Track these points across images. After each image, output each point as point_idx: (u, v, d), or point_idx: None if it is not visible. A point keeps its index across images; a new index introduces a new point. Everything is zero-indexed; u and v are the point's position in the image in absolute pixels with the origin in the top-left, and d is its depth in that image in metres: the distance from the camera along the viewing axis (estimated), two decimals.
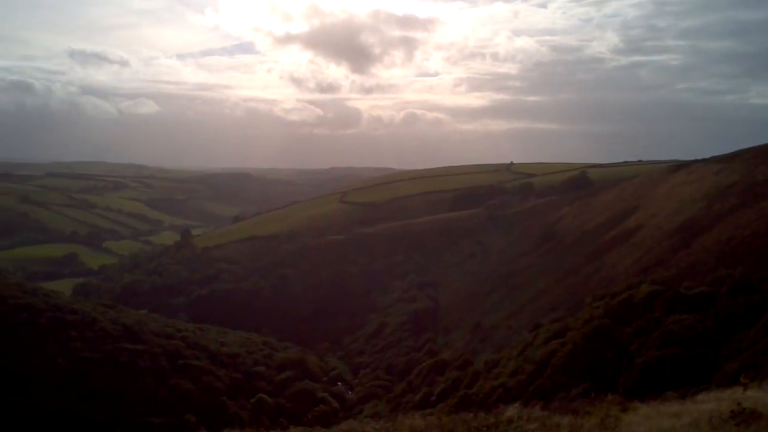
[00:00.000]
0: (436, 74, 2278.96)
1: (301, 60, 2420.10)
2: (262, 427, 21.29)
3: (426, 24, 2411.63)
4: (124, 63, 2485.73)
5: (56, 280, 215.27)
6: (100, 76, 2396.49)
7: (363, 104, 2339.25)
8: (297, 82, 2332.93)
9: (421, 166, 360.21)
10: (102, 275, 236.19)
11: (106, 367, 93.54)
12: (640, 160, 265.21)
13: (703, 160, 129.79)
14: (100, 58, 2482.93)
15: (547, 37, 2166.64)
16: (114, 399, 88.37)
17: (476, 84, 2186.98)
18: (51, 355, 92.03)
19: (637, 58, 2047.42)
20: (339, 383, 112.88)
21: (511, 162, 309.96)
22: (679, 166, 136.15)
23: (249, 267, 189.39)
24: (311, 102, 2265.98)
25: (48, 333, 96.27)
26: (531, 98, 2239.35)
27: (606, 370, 47.70)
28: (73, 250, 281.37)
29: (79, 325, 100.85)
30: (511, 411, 19.74)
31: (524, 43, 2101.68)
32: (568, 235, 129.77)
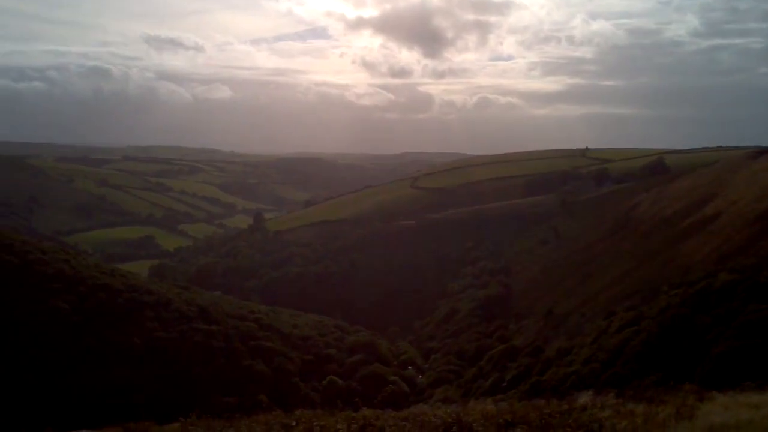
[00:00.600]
0: (509, 58, 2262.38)
1: (373, 45, 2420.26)
2: (334, 409, 21.22)
3: (500, 7, 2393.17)
4: (198, 48, 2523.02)
5: (133, 262, 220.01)
6: (176, 61, 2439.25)
7: (435, 89, 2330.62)
8: (369, 66, 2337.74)
9: (493, 152, 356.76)
10: (177, 257, 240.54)
11: (181, 347, 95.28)
12: (719, 146, 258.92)
13: None
14: (175, 44, 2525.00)
15: (624, 20, 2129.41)
16: (188, 378, 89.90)
17: (550, 68, 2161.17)
18: (128, 334, 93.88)
19: (717, 41, 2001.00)
20: (409, 367, 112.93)
21: (586, 147, 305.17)
22: (761, 152, 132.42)
23: (320, 251, 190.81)
24: (383, 87, 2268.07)
25: (125, 313, 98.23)
26: (607, 83, 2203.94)
27: (681, 360, 46.70)
28: (150, 233, 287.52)
29: (155, 306, 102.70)
30: (585, 398, 19.51)
31: (600, 26, 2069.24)
32: (643, 222, 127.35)
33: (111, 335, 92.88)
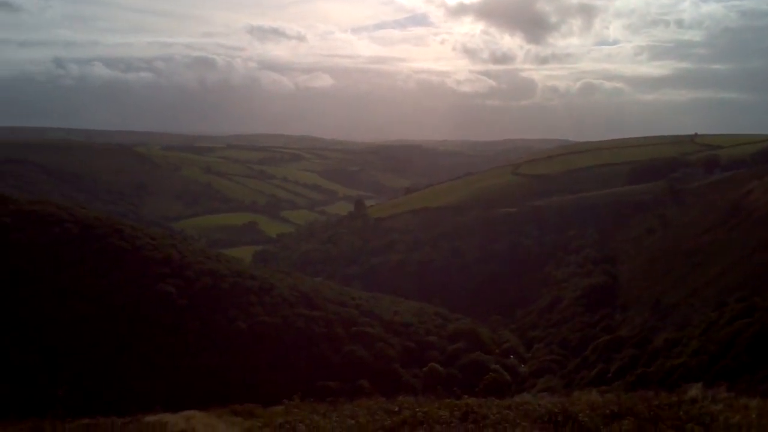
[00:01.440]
0: (615, 42, 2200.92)
1: (475, 31, 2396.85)
2: (435, 396, 20.90)
3: None
4: (300, 38, 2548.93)
5: (237, 248, 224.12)
6: (278, 51, 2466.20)
7: (538, 74, 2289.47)
8: (470, 53, 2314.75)
9: (597, 138, 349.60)
10: (279, 243, 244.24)
11: (284, 332, 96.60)
12: None
13: None
14: (278, 34, 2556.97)
15: (736, 2, 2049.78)
16: (291, 362, 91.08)
17: (658, 52, 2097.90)
18: (232, 318, 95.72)
19: None
20: (511, 356, 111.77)
21: (695, 134, 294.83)
22: None
23: (420, 238, 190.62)
24: (484, 73, 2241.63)
25: (229, 297, 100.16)
26: (717, 66, 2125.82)
27: None
28: (253, 219, 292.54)
29: (258, 291, 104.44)
30: (695, 391, 18.60)
31: (711, 8, 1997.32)
32: (756, 210, 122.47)
33: (216, 319, 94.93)
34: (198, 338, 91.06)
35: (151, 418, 24.19)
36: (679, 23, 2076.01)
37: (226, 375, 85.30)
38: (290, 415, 20.04)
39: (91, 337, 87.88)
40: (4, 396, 65.65)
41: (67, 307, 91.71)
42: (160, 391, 73.96)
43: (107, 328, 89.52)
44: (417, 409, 17.96)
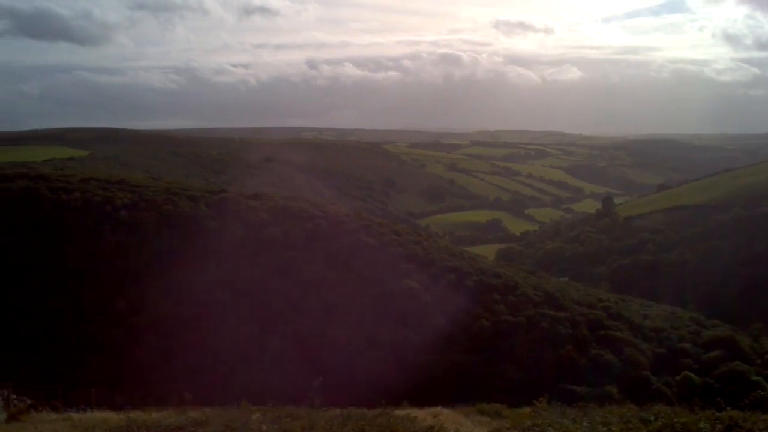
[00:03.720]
0: None
1: (738, 15, 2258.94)
2: (691, 406, 19.54)
3: None
4: (548, 30, 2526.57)
5: (480, 245, 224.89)
6: (524, 44, 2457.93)
7: None
8: (731, 39, 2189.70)
9: None
10: (523, 241, 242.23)
11: (528, 332, 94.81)
12: None
13: None
14: (524, 27, 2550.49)
15: None
16: (535, 363, 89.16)
17: None
18: (476, 315, 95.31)
19: None
20: None
21: None
22: None
23: (673, 238, 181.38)
24: (747, 61, 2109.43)
25: (473, 295, 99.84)
26: None
27: None
28: (497, 217, 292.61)
29: (501, 289, 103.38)
30: None
31: None
32: None
33: (460, 317, 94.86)
34: (442, 334, 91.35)
35: (400, 412, 24.03)
36: None
37: (470, 371, 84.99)
38: (538, 417, 19.67)
39: (341, 329, 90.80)
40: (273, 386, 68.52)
41: (319, 299, 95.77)
42: (407, 386, 74.80)
43: (355, 321, 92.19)
44: (674, 419, 17.04)
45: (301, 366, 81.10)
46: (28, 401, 31.74)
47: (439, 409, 29.09)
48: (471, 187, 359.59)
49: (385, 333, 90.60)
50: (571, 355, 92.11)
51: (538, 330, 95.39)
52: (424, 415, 24.36)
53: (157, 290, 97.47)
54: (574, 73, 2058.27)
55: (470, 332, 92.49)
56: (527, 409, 21.31)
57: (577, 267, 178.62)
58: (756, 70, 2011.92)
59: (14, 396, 32.11)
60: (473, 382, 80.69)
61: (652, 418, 17.50)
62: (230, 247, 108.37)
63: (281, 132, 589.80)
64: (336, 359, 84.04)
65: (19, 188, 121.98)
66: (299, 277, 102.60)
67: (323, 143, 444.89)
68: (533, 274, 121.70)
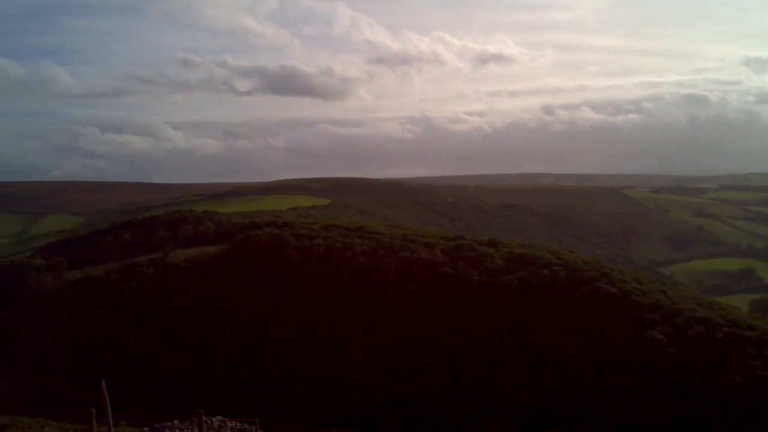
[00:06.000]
0: None
1: None
2: None
3: None
4: None
5: (731, 295, 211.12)
6: None
7: None
8: None
9: None
10: None
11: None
12: None
13: None
14: None
15: None
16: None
17: None
18: (728, 370, 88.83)
19: None
20: None
21: None
22: None
23: None
24: None
25: (725, 348, 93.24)
26: None
27: None
28: (750, 265, 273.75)
29: (756, 343, 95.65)
30: None
31: None
32: None
33: (711, 370, 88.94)
34: (689, 388, 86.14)
35: None
36: None
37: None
38: None
39: (580, 380, 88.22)
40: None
41: (558, 350, 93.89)
42: None
43: (595, 373, 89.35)
44: None
45: (544, 416, 80.00)
46: None
47: None
48: (721, 234, 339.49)
49: (628, 384, 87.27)
50: None
51: None
52: None
53: (391, 338, 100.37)
54: None
55: (721, 388, 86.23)
56: None
57: None
58: None
59: None
60: None
61: None
62: (466, 292, 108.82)
63: (517, 178, 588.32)
64: (577, 411, 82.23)
65: (267, 235, 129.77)
66: (534, 326, 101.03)
67: (560, 189, 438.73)
68: None
